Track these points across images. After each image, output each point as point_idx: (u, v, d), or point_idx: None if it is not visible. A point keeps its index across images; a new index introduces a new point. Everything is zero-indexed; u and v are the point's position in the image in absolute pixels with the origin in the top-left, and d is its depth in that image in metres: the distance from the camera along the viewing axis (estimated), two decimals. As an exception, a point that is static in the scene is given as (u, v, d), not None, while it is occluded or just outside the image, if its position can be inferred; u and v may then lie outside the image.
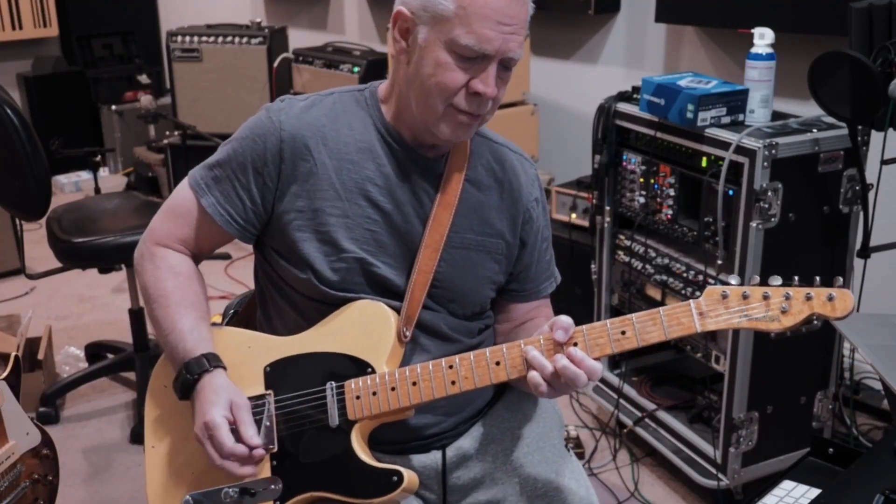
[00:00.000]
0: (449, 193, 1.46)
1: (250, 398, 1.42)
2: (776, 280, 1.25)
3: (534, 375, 1.29)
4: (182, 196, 1.51)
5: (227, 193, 1.46)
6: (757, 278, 1.27)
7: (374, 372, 1.39)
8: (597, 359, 1.29)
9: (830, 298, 1.21)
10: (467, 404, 1.53)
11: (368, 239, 1.44)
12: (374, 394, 1.37)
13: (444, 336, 1.48)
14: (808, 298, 1.22)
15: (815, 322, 1.24)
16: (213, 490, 1.41)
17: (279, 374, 1.43)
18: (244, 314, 1.68)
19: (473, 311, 1.52)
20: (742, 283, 1.26)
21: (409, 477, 1.35)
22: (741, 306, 1.25)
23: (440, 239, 1.45)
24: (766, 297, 1.24)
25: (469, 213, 1.48)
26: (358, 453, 1.37)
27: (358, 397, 1.38)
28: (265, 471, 1.41)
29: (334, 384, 1.39)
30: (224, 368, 1.42)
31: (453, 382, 1.35)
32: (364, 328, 1.42)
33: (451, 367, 1.35)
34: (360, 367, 1.39)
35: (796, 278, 1.25)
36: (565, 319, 1.30)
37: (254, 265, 1.59)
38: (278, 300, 1.52)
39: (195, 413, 1.39)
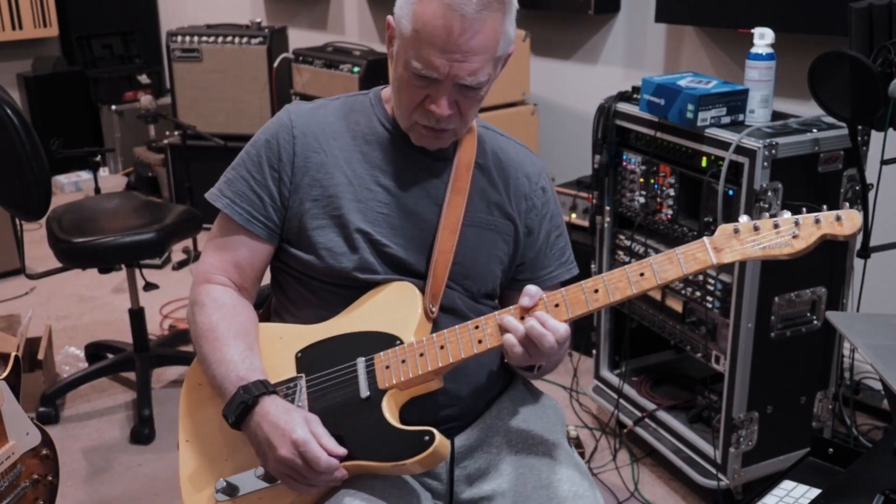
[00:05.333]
0: (461, 179, 1.52)
1: (282, 382, 1.45)
2: (785, 212, 1.29)
3: (508, 337, 1.34)
4: (215, 222, 1.57)
5: (243, 192, 1.52)
6: (767, 214, 1.30)
7: (402, 343, 1.42)
8: (612, 304, 1.34)
9: (838, 219, 1.26)
10: (477, 394, 1.55)
11: (381, 221, 1.49)
12: (403, 361, 1.40)
13: (460, 314, 1.52)
14: (817, 221, 1.27)
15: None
16: (246, 472, 1.44)
17: (310, 357, 1.46)
18: (263, 312, 1.70)
19: (486, 290, 1.57)
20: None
21: (441, 438, 1.35)
22: (753, 237, 1.29)
23: (457, 220, 1.51)
24: (776, 226, 1.28)
25: (480, 197, 1.55)
26: (389, 419, 1.38)
27: (388, 367, 1.40)
28: None
29: (364, 358, 1.42)
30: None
31: (480, 341, 1.38)
32: (391, 306, 1.46)
33: (476, 327, 1.39)
34: (388, 341, 1.43)
35: (804, 208, 1.29)
36: (532, 288, 1.37)
37: (270, 265, 1.61)
38: (299, 290, 1.55)
39: (267, 441, 1.36)
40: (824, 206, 1.29)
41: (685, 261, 1.30)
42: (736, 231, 1.29)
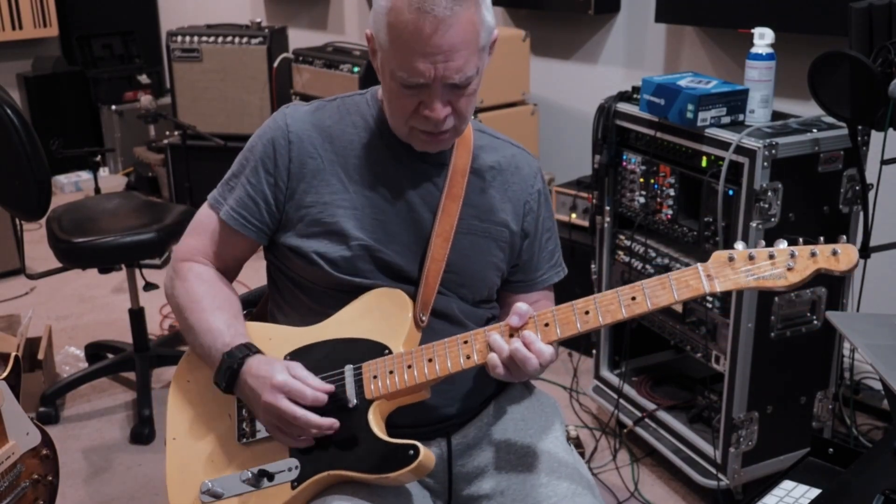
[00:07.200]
0: (455, 186, 1.51)
1: None
2: (781, 242, 1.27)
3: (492, 357, 1.33)
4: (203, 214, 1.59)
5: (241, 199, 1.52)
6: (763, 242, 1.29)
7: (391, 353, 1.41)
8: (602, 326, 1.33)
9: (835, 253, 1.24)
10: (473, 393, 1.55)
11: (377, 228, 1.49)
12: (391, 372, 1.39)
13: (455, 320, 1.52)
14: (813, 255, 1.25)
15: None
16: (232, 475, 1.44)
17: (299, 361, 1.45)
18: (259, 312, 1.70)
19: (481, 297, 1.57)
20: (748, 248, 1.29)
21: (425, 452, 1.35)
22: (747, 266, 1.27)
23: (450, 228, 1.50)
24: (771, 257, 1.26)
25: (475, 203, 1.54)
26: (375, 431, 1.38)
27: (375, 377, 1.40)
28: (282, 453, 1.43)
29: (352, 366, 1.42)
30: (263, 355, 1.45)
31: (468, 357, 1.37)
32: (381, 313, 1.45)
33: (465, 342, 1.37)
34: (377, 350, 1.42)
35: (801, 239, 1.27)
36: (522, 306, 1.35)
37: (266, 263, 1.62)
38: (294, 290, 1.55)
39: (253, 393, 1.39)
40: (821, 238, 1.27)
41: (678, 287, 1.28)
42: (731, 259, 1.27)
